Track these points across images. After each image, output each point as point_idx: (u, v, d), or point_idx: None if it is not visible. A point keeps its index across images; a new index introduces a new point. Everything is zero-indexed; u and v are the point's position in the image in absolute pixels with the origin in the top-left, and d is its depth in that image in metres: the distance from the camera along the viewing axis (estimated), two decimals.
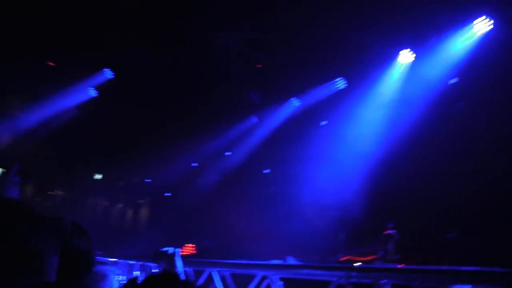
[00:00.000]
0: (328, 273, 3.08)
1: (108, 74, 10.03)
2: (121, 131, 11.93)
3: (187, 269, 4.70)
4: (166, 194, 12.51)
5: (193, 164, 11.44)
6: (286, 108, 9.46)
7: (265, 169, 9.47)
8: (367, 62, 8.00)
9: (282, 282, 3.71)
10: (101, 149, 12.84)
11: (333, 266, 3.05)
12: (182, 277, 2.98)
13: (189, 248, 7.91)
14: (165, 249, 3.15)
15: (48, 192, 15.01)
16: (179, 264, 3.05)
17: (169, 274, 2.97)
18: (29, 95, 10.91)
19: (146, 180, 13.79)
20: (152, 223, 13.52)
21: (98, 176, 15.21)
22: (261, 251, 6.72)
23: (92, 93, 10.62)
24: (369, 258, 5.19)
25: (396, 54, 7.95)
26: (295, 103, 9.44)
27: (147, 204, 14.72)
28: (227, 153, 10.62)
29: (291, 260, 4.74)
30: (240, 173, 10.05)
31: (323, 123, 9.21)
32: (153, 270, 4.97)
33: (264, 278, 3.72)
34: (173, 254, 3.14)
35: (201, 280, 4.41)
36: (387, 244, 4.17)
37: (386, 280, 2.82)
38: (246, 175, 9.84)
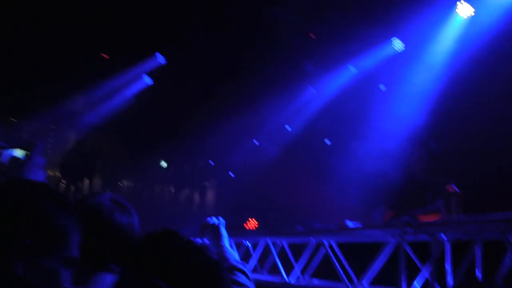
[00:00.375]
0: (381, 232, 2.88)
1: (160, 59, 10.13)
2: (181, 115, 12.03)
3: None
4: (230, 174, 12.51)
5: (254, 141, 11.35)
6: (343, 75, 9.15)
7: (326, 141, 9.22)
8: (423, 19, 7.57)
9: (338, 249, 3.54)
10: (164, 136, 13.01)
11: (388, 224, 2.81)
12: (226, 250, 2.84)
13: (252, 223, 7.85)
14: (209, 220, 3.02)
15: (116, 183, 15.44)
16: (224, 235, 2.91)
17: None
18: (86, 89, 11.20)
19: (210, 162, 13.89)
20: (219, 204, 13.62)
21: (164, 164, 15.49)
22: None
23: (148, 80, 10.78)
24: (431, 216, 4.90)
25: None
26: (352, 70, 9.12)
27: (213, 186, 14.83)
28: (287, 127, 10.43)
29: (350, 224, 4.51)
30: (301, 146, 9.86)
31: (382, 88, 8.83)
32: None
33: (319, 245, 3.55)
34: (217, 225, 3.01)
35: (257, 252, 4.31)
36: (450, 202, 3.86)
37: (443, 235, 2.60)
38: (307, 148, 9.63)
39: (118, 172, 15.32)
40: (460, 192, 3.89)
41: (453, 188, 3.88)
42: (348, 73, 9.23)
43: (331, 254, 3.17)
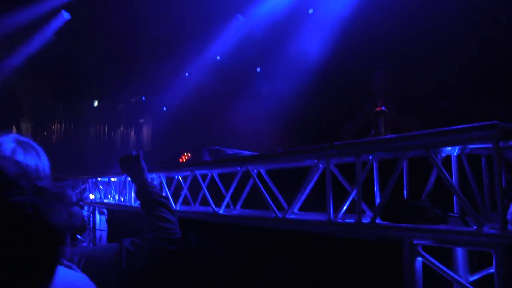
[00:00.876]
0: (304, 156, 2.74)
1: None
2: (108, 51, 11.40)
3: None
4: (164, 109, 12.16)
5: (186, 74, 10.96)
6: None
7: (257, 68, 8.96)
8: None
9: (267, 176, 3.41)
10: (93, 74, 12.39)
11: (310, 148, 2.67)
12: (148, 184, 2.70)
13: (186, 157, 7.65)
14: (129, 153, 2.88)
15: (48, 127, 14.79)
16: (144, 167, 2.78)
17: None
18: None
19: (143, 98, 13.44)
20: (155, 140, 13.34)
21: (96, 103, 14.90)
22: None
23: (66, 15, 10.04)
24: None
25: None
26: None
27: (147, 122, 14.46)
28: (218, 58, 10.08)
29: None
30: (234, 75, 9.57)
31: (310, 11, 8.54)
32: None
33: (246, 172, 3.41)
34: (137, 156, 2.86)
35: (187, 184, 4.14)
36: (377, 122, 3.77)
37: (370, 156, 2.49)
38: (239, 76, 9.36)
39: (48, 116, 14.61)
40: (387, 111, 3.80)
41: (380, 108, 3.78)
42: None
43: (258, 182, 3.03)
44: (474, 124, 1.88)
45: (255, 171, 3.22)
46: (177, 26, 9.54)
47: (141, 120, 14.51)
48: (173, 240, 2.27)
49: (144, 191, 2.55)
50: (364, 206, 2.69)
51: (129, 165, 2.70)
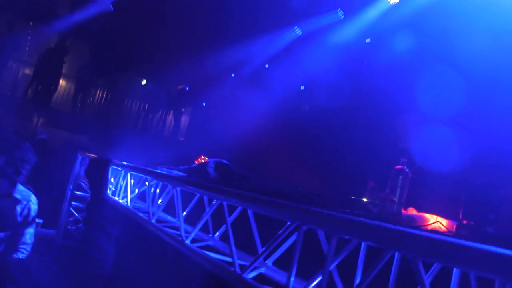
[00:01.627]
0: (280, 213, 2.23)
1: None
2: (166, 38, 11.16)
3: None
4: (203, 104, 11.79)
5: (232, 75, 10.54)
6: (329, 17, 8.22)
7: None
8: None
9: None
10: (145, 53, 12.21)
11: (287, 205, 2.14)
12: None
13: (201, 159, 7.19)
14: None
15: (89, 93, 14.67)
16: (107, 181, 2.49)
17: None
18: None
19: (187, 88, 13.14)
20: (191, 133, 13.01)
21: (143, 82, 14.74)
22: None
23: None
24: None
25: None
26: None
27: (187, 113, 14.14)
28: (266, 66, 9.60)
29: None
30: (278, 88, 9.07)
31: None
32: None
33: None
34: (106, 164, 2.60)
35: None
36: (395, 182, 3.20)
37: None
38: (282, 91, 8.85)
39: (91, 82, 14.48)
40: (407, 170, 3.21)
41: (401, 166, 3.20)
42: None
43: (228, 216, 2.53)
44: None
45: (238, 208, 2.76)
46: (239, 25, 9.20)
47: (183, 109, 14.21)
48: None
49: (94, 208, 2.23)
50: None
51: (95, 172, 2.43)
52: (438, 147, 4.86)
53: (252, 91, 9.66)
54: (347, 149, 5.81)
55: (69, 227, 7.29)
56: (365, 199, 4.02)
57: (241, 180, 3.87)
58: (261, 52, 9.64)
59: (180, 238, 3.01)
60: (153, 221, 3.56)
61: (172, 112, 14.17)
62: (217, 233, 3.40)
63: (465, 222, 3.04)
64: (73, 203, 7.25)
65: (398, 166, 3.16)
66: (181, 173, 4.69)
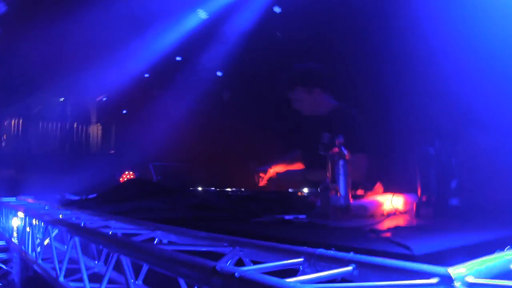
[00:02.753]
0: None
1: None
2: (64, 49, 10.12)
3: None
4: (123, 112, 10.83)
5: (145, 75, 9.63)
6: None
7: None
8: None
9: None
10: (50, 71, 11.07)
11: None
12: None
13: (127, 176, 6.36)
14: None
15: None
16: None
17: None
18: None
19: (104, 99, 12.13)
20: (119, 144, 12.07)
21: (61, 99, 13.56)
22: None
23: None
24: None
25: None
26: None
27: (112, 124, 13.13)
28: (177, 58, 8.77)
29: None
30: (196, 79, 8.29)
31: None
32: None
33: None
34: None
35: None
36: (335, 168, 2.55)
37: None
38: (201, 81, 8.08)
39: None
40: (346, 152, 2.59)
41: (337, 149, 2.58)
42: None
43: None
44: None
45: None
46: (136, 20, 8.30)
47: (106, 121, 13.18)
48: None
49: None
50: None
51: None
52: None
53: (170, 88, 8.86)
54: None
55: None
56: (306, 190, 3.36)
57: (156, 202, 3.11)
58: (169, 44, 8.79)
59: None
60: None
61: (96, 125, 13.14)
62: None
63: (424, 198, 2.41)
64: None
65: (334, 149, 2.50)
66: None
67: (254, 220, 2.55)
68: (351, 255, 1.33)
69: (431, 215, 2.44)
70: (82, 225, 2.99)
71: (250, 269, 1.36)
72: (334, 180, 2.55)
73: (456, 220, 2.24)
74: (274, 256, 1.59)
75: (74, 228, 2.43)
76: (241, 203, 3.18)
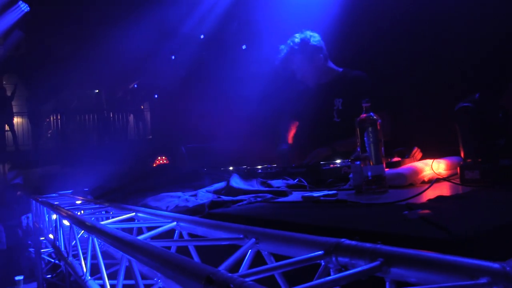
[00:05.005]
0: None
1: None
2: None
3: None
4: (155, 96, 10.74)
5: (172, 57, 9.46)
6: None
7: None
8: None
9: None
10: (82, 63, 11.10)
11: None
12: None
13: (159, 161, 6.23)
14: None
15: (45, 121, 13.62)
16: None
17: None
18: None
19: (135, 86, 12.08)
20: (154, 128, 12.03)
21: (96, 91, 13.66)
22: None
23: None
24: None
25: None
26: None
27: (146, 110, 13.11)
28: (201, 36, 8.52)
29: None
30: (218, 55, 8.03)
31: None
32: None
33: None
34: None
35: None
36: (365, 136, 2.29)
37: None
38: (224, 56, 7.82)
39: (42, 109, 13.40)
40: (376, 118, 2.35)
41: (367, 113, 2.33)
42: None
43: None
44: None
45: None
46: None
47: (142, 107, 13.16)
48: None
49: None
50: None
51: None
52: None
53: (199, 68, 8.65)
54: None
55: (47, 276, 6.50)
56: (338, 161, 3.11)
57: (183, 189, 2.96)
58: (194, 24, 8.56)
59: None
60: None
61: (131, 113, 13.16)
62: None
63: (469, 161, 2.11)
64: (42, 250, 6.42)
65: (362, 115, 2.22)
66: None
67: (280, 202, 2.33)
68: (378, 246, 1.08)
69: (478, 180, 2.14)
70: (106, 220, 2.87)
71: (263, 270, 1.14)
72: (365, 148, 2.28)
73: (509, 185, 1.94)
74: (293, 248, 1.36)
75: (90, 229, 2.28)
76: (268, 181, 2.95)
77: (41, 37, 10.42)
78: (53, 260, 6.45)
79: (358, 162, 2.29)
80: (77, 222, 2.59)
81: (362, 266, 1.04)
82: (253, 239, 1.49)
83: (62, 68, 11.23)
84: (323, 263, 1.20)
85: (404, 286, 1.02)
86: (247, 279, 0.97)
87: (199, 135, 6.92)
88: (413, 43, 3.84)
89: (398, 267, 1.00)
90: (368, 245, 1.09)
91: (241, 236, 1.57)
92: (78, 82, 12.60)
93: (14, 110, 13.18)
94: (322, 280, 1.00)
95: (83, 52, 10.61)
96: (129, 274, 2.25)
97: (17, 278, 6.89)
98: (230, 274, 1.00)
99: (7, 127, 12.80)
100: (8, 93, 12.77)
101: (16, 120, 13.68)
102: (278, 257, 1.43)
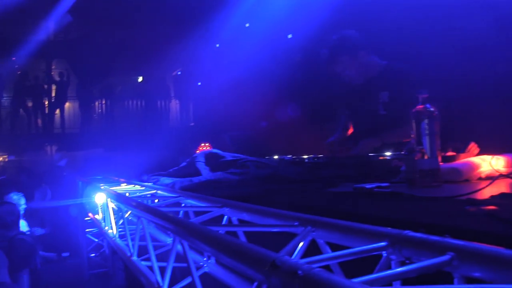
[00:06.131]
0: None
1: None
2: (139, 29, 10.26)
3: None
4: (198, 84, 10.81)
5: (217, 45, 9.49)
6: None
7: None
8: None
9: None
10: (128, 51, 11.30)
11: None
12: None
13: (203, 148, 6.24)
14: None
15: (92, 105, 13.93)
16: None
17: None
18: None
19: (178, 73, 12.19)
20: (198, 116, 12.11)
21: (139, 79, 13.87)
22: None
23: None
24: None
25: None
26: None
27: (189, 97, 13.20)
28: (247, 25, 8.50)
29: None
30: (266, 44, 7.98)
31: None
32: None
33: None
34: None
35: None
36: (420, 128, 2.22)
37: None
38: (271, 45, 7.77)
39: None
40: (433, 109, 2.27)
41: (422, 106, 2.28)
42: None
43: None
44: None
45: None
46: None
47: (183, 95, 13.29)
48: None
49: None
50: None
51: None
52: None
53: (241, 56, 8.64)
54: None
55: (91, 255, 6.69)
56: (388, 153, 3.04)
57: (228, 175, 2.94)
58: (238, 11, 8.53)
59: (156, 286, 2.06)
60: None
61: (174, 99, 13.32)
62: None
63: None
64: (87, 230, 6.60)
65: (418, 107, 2.16)
66: (168, 181, 3.77)
67: (331, 191, 2.30)
68: (447, 239, 1.03)
69: None
70: (154, 202, 2.90)
71: (320, 260, 1.12)
72: (420, 141, 2.22)
73: None
74: (352, 238, 1.33)
75: (140, 209, 2.30)
76: (316, 171, 2.91)
77: (89, 23, 10.63)
78: (96, 240, 6.62)
79: (412, 155, 2.23)
80: (127, 202, 2.63)
81: (430, 260, 1.00)
82: (309, 227, 1.47)
83: (109, 54, 11.45)
84: (384, 255, 1.17)
85: (472, 283, 0.98)
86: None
87: (243, 123, 6.93)
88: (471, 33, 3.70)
89: (470, 262, 0.96)
90: (435, 238, 1.05)
91: (296, 223, 1.55)
92: (123, 68, 12.82)
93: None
94: (391, 272, 0.97)
95: (128, 38, 10.78)
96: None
97: (63, 254, 7.13)
98: (295, 260, 0.98)
99: (57, 111, 13.23)
100: (57, 78, 13.18)
101: (65, 104, 14.08)
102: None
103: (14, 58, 12.92)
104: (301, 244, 1.45)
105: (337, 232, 1.38)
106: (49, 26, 11.01)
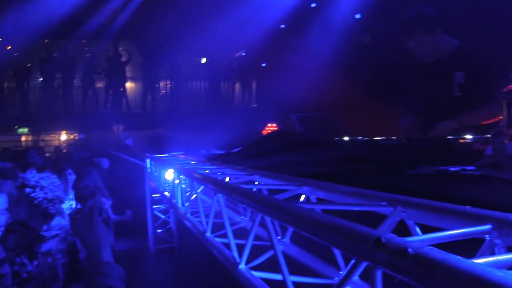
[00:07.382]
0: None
1: None
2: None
3: None
4: (263, 65, 10.77)
5: (281, 26, 9.41)
6: None
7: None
8: None
9: None
10: (192, 33, 11.43)
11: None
12: None
13: (270, 128, 6.26)
14: None
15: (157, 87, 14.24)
16: None
17: None
18: None
19: (242, 54, 12.20)
20: (261, 97, 12.12)
21: (203, 60, 14.03)
22: None
23: None
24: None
25: None
26: None
27: (252, 79, 13.22)
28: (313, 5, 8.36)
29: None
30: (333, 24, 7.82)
31: None
32: None
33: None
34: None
35: None
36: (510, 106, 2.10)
37: None
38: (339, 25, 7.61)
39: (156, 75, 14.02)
40: None
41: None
42: None
43: None
44: None
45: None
46: None
47: (246, 76, 13.33)
48: None
49: None
50: None
51: None
52: None
53: (307, 36, 8.52)
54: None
55: (158, 231, 6.88)
56: (468, 136, 2.90)
57: (300, 155, 2.91)
58: None
59: (232, 262, 2.09)
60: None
61: (238, 81, 13.39)
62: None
63: None
64: (154, 206, 6.79)
65: (510, 86, 2.05)
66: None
67: (410, 173, 2.22)
68: None
69: None
70: (227, 180, 2.91)
71: (424, 239, 1.07)
72: (511, 123, 2.10)
73: None
74: (448, 219, 1.27)
75: (217, 185, 2.31)
76: (392, 153, 2.83)
77: (156, 4, 10.83)
78: (163, 216, 6.80)
79: (501, 138, 2.12)
80: (202, 179, 2.65)
81: None
82: (399, 207, 1.42)
83: (174, 36, 11.63)
84: (488, 238, 1.11)
85: None
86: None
87: (309, 104, 6.86)
88: None
89: None
90: None
91: (383, 203, 1.50)
92: (187, 50, 13.00)
93: (129, 75, 13.99)
94: (502, 257, 0.91)
95: (193, 20, 10.88)
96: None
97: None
98: (401, 238, 0.94)
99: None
100: (124, 59, 13.57)
101: (130, 84, 14.49)
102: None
103: (84, 41, 13.40)
104: (389, 225, 1.40)
105: (431, 213, 1.32)
106: (117, 8, 11.33)
